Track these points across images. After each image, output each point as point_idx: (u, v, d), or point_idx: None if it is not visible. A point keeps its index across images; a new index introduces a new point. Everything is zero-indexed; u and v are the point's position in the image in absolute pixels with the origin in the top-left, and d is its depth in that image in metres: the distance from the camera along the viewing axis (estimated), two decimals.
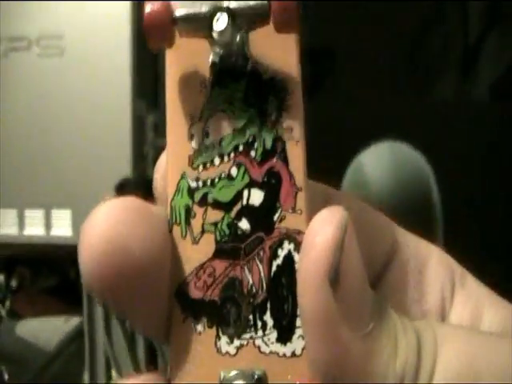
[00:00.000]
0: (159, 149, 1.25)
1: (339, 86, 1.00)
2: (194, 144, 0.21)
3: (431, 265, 0.24)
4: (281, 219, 0.19)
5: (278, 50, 0.21)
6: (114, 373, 0.74)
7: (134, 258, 0.17)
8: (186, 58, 0.22)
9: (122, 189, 1.09)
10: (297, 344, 0.18)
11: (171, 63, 0.23)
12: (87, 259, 0.19)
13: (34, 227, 1.10)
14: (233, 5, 0.20)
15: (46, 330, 1.02)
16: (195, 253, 0.19)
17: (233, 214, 0.20)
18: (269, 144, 0.20)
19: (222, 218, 0.19)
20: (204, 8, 0.20)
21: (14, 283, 1.13)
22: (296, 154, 0.20)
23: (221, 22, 0.20)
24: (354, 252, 0.18)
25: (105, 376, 0.72)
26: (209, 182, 0.20)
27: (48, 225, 1.10)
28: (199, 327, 0.19)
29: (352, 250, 0.18)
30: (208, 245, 0.19)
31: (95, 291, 0.18)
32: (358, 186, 0.83)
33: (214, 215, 0.20)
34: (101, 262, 0.18)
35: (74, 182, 1.10)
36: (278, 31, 0.20)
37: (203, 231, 0.19)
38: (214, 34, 0.20)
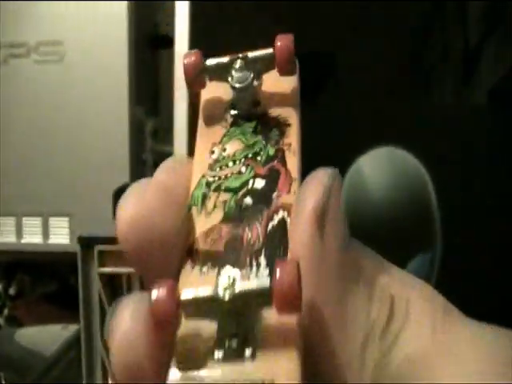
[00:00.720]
0: (158, 155, 1.25)
1: (338, 90, 1.00)
2: (214, 156, 0.26)
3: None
4: (278, 196, 0.24)
5: (281, 90, 0.27)
6: (110, 380, 0.74)
7: (155, 228, 0.22)
8: (214, 99, 0.27)
9: (121, 196, 1.09)
10: None
11: (203, 101, 0.27)
12: (122, 229, 0.23)
13: (32, 235, 1.10)
14: (247, 54, 0.26)
15: (44, 337, 1.02)
16: (206, 222, 0.24)
17: (239, 194, 0.24)
18: (271, 153, 0.25)
19: (231, 198, 0.24)
20: (227, 58, 0.26)
21: (12, 290, 1.13)
22: (292, 160, 0.25)
23: (238, 67, 0.26)
24: (339, 199, 0.22)
25: (102, 383, 0.72)
26: (223, 177, 0.25)
27: (46, 232, 1.10)
28: (204, 269, 0.23)
29: (337, 197, 0.22)
30: (217, 215, 0.24)
31: (127, 250, 0.23)
32: (357, 191, 0.83)
33: (225, 196, 0.24)
34: (131, 229, 0.23)
35: (71, 190, 1.10)
36: (281, 74, 0.26)
37: (214, 207, 0.24)
38: (234, 76, 0.26)
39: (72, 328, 1.01)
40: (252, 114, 0.26)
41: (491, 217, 0.82)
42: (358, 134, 0.90)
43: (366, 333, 0.21)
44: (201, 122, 0.27)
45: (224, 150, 0.26)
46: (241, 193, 0.24)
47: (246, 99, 0.26)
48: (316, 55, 1.06)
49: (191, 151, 0.27)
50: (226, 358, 0.20)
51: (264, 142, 0.26)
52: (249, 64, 0.26)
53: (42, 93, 1.14)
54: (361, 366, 0.21)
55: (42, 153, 1.12)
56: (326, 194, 0.22)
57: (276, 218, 0.23)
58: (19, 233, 1.11)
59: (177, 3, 1.07)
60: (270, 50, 0.26)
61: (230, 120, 0.27)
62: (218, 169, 0.25)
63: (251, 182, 0.25)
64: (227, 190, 0.25)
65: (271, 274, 0.21)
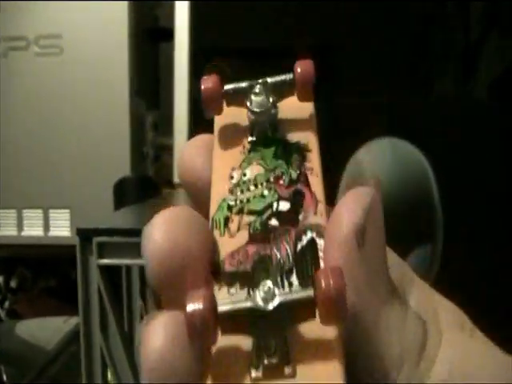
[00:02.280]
0: (159, 148, 1.25)
1: (339, 84, 0.99)
2: (233, 181, 0.25)
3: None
4: (304, 218, 0.23)
5: (299, 116, 0.26)
6: (110, 373, 0.74)
7: (179, 252, 0.21)
8: (231, 124, 0.26)
9: (121, 188, 1.09)
10: None
11: (219, 127, 0.26)
12: (151, 256, 0.22)
13: (33, 228, 1.10)
14: (266, 80, 0.25)
15: (45, 331, 1.02)
16: (231, 244, 0.23)
17: (264, 217, 0.24)
18: (294, 176, 0.24)
19: (256, 220, 0.23)
20: (246, 83, 0.25)
21: (13, 284, 1.13)
22: (316, 181, 0.24)
23: (257, 92, 0.25)
24: (379, 220, 0.22)
25: (101, 376, 0.72)
26: (245, 200, 0.24)
27: (47, 225, 1.10)
28: (232, 290, 0.22)
29: (377, 219, 0.21)
30: (242, 237, 0.23)
31: (155, 275, 0.22)
32: (357, 181, 0.82)
33: (249, 219, 0.23)
34: (159, 255, 0.22)
35: (72, 182, 1.10)
36: (301, 100, 0.25)
37: (239, 229, 0.23)
38: (253, 100, 0.25)
39: (73, 321, 1.01)
40: (270, 139, 0.26)
41: (492, 206, 0.82)
42: (358, 125, 0.89)
43: (400, 354, 0.21)
44: (217, 147, 0.26)
45: (244, 174, 0.25)
46: (265, 215, 0.24)
47: (265, 124, 0.26)
48: (315, 49, 1.06)
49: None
50: (266, 377, 0.19)
51: (285, 166, 0.25)
52: (268, 89, 0.25)
53: (42, 86, 1.14)
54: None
55: (43, 145, 1.12)
56: (364, 215, 0.21)
57: (305, 239, 0.23)
58: (20, 225, 1.11)
59: None
60: (289, 76, 0.25)
61: (247, 145, 0.26)
62: (238, 192, 0.25)
63: (275, 204, 0.24)
64: (251, 212, 0.24)
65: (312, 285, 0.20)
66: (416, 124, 0.90)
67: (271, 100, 0.25)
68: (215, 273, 0.22)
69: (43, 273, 1.18)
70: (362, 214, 0.21)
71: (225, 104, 0.26)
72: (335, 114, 0.89)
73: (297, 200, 0.24)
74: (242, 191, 0.25)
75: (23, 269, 1.17)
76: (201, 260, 0.22)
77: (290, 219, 0.23)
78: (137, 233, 0.71)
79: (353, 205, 0.22)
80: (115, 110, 1.12)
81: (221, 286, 0.22)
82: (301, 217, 0.23)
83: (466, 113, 0.92)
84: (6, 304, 1.11)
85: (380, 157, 0.85)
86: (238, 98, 0.25)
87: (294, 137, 0.26)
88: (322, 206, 0.23)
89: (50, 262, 1.16)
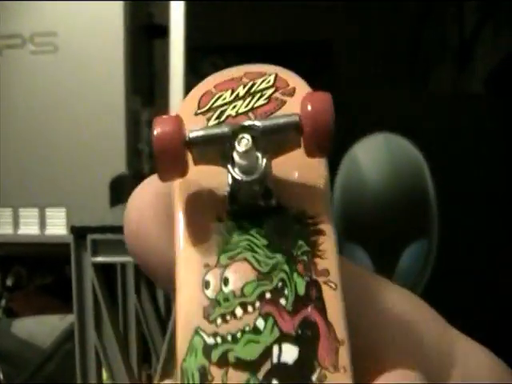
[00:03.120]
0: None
1: (334, 78, 0.99)
2: (209, 293, 0.17)
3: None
4: (320, 377, 0.16)
5: (305, 177, 0.18)
6: (104, 372, 0.74)
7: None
8: (200, 191, 0.18)
9: (118, 186, 1.09)
10: None
11: (182, 197, 0.18)
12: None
13: (29, 226, 1.10)
14: (257, 124, 0.17)
15: (41, 329, 1.02)
16: None
17: (260, 374, 0.16)
18: (301, 290, 0.17)
19: (247, 381, 0.16)
20: (224, 128, 0.17)
21: (9, 282, 1.13)
22: (334, 300, 0.16)
23: (243, 146, 0.17)
24: None
25: (96, 375, 0.72)
26: (229, 338, 0.16)
27: (43, 223, 1.10)
28: None
29: None
30: None
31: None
32: (352, 178, 0.82)
33: (237, 377, 0.16)
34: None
35: (68, 180, 1.10)
36: (309, 156, 0.17)
37: None
38: (236, 160, 0.17)
39: (69, 319, 1.01)
40: (261, 210, 0.17)
41: (488, 203, 0.81)
42: (353, 121, 0.89)
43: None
44: (180, 222, 0.18)
45: (225, 281, 0.17)
46: (262, 371, 0.16)
47: (253, 191, 0.17)
48: (312, 43, 1.05)
49: None
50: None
51: (286, 265, 0.17)
52: (259, 140, 0.17)
53: (37, 84, 1.13)
54: None
55: (38, 143, 1.12)
56: None
57: None
58: (16, 224, 1.10)
59: None
60: (293, 118, 0.17)
61: (227, 220, 0.17)
62: (219, 319, 0.16)
63: (276, 350, 0.16)
64: (239, 364, 0.16)
65: None
66: (411, 119, 0.90)
67: (264, 161, 0.17)
68: None
69: (39, 270, 1.18)
70: None
71: (190, 160, 0.17)
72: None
73: (308, 341, 0.16)
74: (223, 317, 0.16)
75: (19, 267, 1.17)
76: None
77: (298, 378, 0.16)
78: None
79: None
80: (111, 108, 1.12)
81: None
82: (315, 377, 0.16)
83: (462, 107, 0.92)
84: (3, 302, 1.11)
85: (375, 153, 0.85)
86: (213, 152, 0.17)
87: (296, 208, 0.17)
88: (344, 353, 0.16)
89: (46, 259, 1.16)
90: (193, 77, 1.07)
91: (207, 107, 0.19)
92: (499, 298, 0.75)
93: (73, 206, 1.09)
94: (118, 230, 0.72)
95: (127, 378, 0.74)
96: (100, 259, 0.71)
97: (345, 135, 0.85)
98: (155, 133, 0.17)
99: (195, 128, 0.17)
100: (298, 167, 0.18)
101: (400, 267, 0.75)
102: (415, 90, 0.98)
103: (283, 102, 0.19)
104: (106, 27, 1.12)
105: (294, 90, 0.19)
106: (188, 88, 1.14)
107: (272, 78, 0.20)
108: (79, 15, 1.13)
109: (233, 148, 0.17)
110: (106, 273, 0.76)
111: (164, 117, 0.17)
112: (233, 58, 1.14)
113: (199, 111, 0.19)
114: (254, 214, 0.17)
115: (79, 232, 0.72)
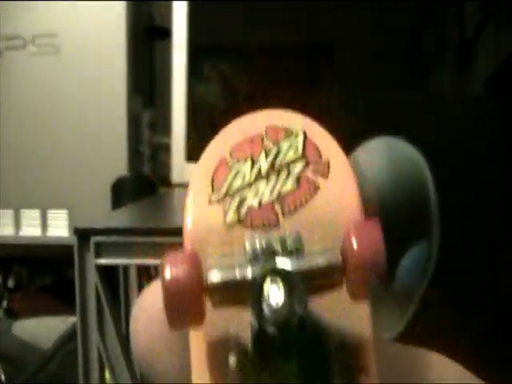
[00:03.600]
0: (155, 147, 1.24)
1: (335, 80, 0.99)
2: None
3: None
4: None
5: (347, 322, 0.15)
6: (107, 373, 0.74)
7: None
8: (219, 335, 0.15)
9: (119, 187, 1.09)
10: None
11: (198, 341, 0.15)
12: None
13: (31, 227, 1.10)
14: (290, 266, 0.14)
15: (42, 330, 1.02)
16: None
17: None
18: None
19: None
20: (249, 271, 0.14)
21: (10, 283, 1.13)
22: None
23: (273, 293, 0.14)
24: None
25: (98, 376, 0.72)
26: None
27: (44, 225, 1.10)
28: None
29: None
30: None
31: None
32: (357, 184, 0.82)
33: None
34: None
35: (69, 182, 1.10)
36: (353, 298, 0.15)
37: None
38: (265, 308, 0.14)
39: (70, 321, 1.01)
40: (292, 347, 0.15)
41: (489, 204, 0.82)
42: (355, 123, 0.89)
43: None
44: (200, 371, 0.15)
45: None
46: None
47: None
48: (314, 45, 1.06)
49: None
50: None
51: None
52: (293, 285, 0.14)
53: (39, 85, 1.13)
54: None
55: (40, 145, 1.12)
56: None
57: None
58: (17, 225, 1.11)
59: None
60: (336, 259, 0.14)
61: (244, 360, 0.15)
62: None
63: None
64: None
65: None
66: (412, 122, 0.90)
67: (300, 306, 0.14)
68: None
69: (39, 271, 1.18)
70: None
71: (208, 303, 0.14)
72: (331, 111, 0.89)
73: None
74: None
75: (20, 267, 1.17)
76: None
77: None
78: (134, 232, 0.71)
79: None
80: (112, 110, 1.12)
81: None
82: None
83: (462, 109, 0.92)
84: (4, 303, 1.11)
85: (377, 156, 0.85)
86: (237, 296, 0.14)
87: (335, 344, 0.15)
88: None
89: (47, 260, 1.16)
90: (195, 79, 1.07)
91: (224, 190, 0.16)
92: (499, 298, 0.75)
93: (74, 208, 1.09)
94: (122, 232, 0.72)
95: (129, 379, 0.74)
96: (103, 261, 0.71)
97: (346, 137, 0.85)
98: (167, 276, 0.14)
99: (215, 266, 0.14)
100: (336, 307, 0.15)
101: (401, 269, 0.75)
102: (415, 92, 0.98)
103: (316, 189, 0.16)
104: (107, 29, 1.12)
105: (327, 165, 0.17)
106: (189, 89, 1.14)
107: (300, 140, 0.17)
108: (80, 17, 1.13)
109: (259, 290, 0.14)
110: (109, 274, 0.76)
111: (178, 254, 0.14)
112: (235, 60, 1.14)
113: (214, 198, 0.16)
114: (284, 353, 0.15)
115: (83, 234, 0.72)
